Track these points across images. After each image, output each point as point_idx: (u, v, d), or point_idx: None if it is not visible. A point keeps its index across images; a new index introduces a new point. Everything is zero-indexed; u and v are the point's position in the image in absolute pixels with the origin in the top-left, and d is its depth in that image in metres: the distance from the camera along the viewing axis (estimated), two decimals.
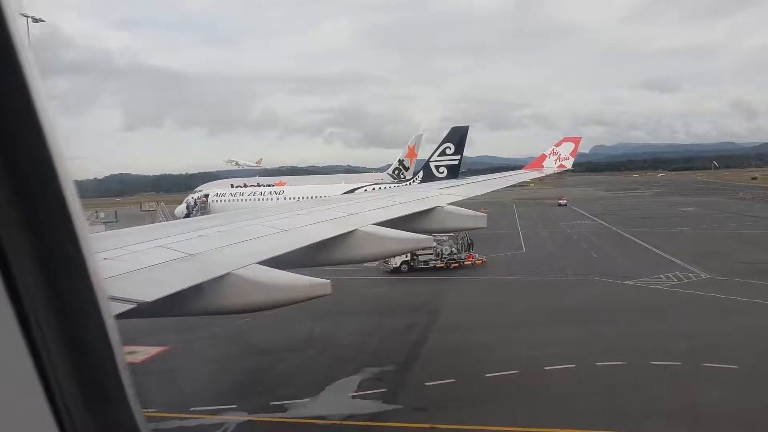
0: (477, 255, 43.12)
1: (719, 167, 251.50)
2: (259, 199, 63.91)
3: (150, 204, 77.88)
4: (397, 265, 39.68)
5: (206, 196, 67.18)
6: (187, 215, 57.54)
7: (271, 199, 63.03)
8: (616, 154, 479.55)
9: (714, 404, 17.33)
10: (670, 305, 29.67)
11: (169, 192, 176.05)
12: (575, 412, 17.05)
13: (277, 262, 9.49)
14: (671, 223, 66.03)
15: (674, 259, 41.40)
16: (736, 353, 21.22)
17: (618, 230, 60.64)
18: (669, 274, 36.40)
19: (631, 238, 54.56)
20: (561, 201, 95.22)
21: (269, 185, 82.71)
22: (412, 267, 40.56)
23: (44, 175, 1.50)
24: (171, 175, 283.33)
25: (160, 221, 51.83)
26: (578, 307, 29.91)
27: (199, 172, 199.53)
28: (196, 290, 7.83)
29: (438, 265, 41.12)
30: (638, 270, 38.18)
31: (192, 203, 65.23)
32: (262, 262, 9.14)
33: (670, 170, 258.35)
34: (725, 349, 21.81)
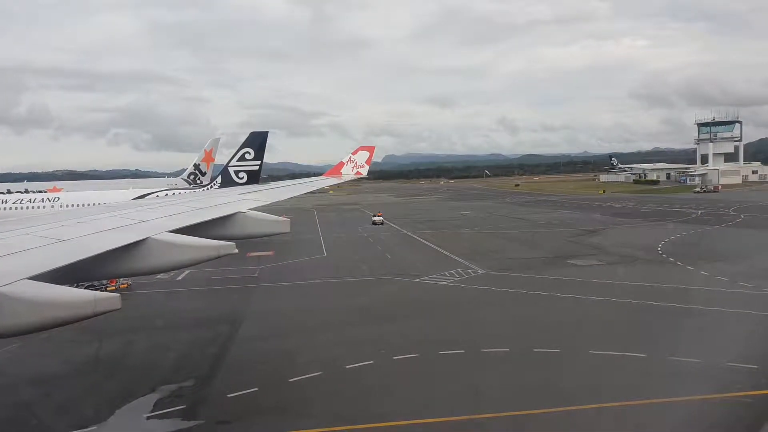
0: (121, 279, 35.95)
1: (490, 175, 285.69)
2: (27, 207, 55.68)
3: None
4: None
5: None
6: None
7: (44, 207, 55.32)
8: (405, 163, 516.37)
9: (488, 387, 19.67)
10: (453, 299, 32.94)
11: None
12: (380, 407, 17.98)
13: (55, 277, 8.39)
14: (453, 225, 73.14)
15: (456, 258, 45.95)
16: (508, 338, 24.43)
17: (408, 233, 65.35)
18: (453, 271, 40.27)
19: (420, 239, 59.24)
20: (375, 218, 78.23)
21: (41, 191, 72.56)
22: None
23: None
24: None
25: None
26: (375, 306, 31.78)
27: None
28: None
29: None
30: (427, 268, 41.72)
31: None
32: (33, 278, 8.01)
33: (450, 178, 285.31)
34: (498, 335, 24.95)
